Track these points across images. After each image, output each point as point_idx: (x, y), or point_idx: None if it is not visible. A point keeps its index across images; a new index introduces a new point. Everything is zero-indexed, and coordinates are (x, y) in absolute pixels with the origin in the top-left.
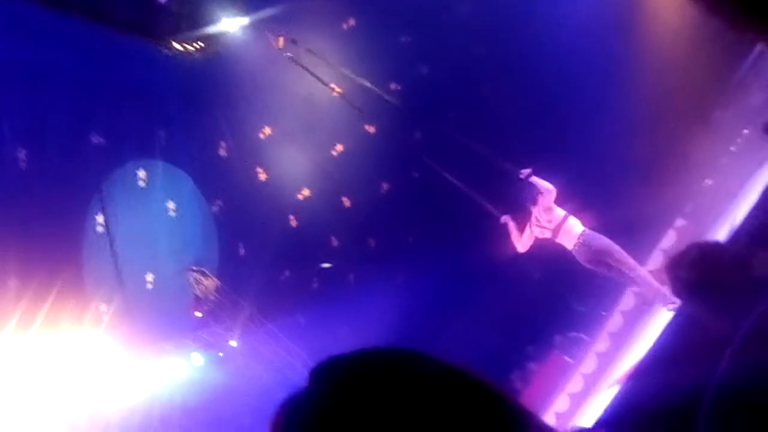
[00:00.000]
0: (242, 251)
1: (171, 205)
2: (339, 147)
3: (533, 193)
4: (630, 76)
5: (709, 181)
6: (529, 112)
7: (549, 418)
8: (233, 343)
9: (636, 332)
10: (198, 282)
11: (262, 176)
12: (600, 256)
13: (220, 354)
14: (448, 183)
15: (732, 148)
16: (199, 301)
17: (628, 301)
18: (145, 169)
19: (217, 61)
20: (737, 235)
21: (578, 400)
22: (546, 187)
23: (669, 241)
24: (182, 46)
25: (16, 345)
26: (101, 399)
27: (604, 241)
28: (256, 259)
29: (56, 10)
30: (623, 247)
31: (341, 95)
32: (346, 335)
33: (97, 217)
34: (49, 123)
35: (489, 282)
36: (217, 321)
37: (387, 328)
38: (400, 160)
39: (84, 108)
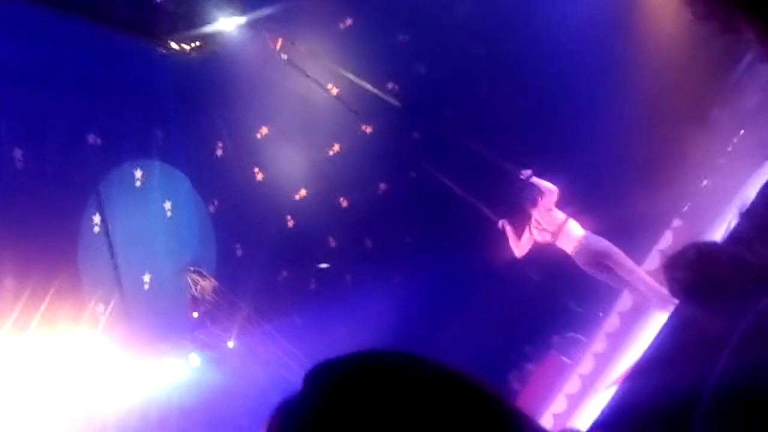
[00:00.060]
0: (239, 252)
1: (168, 205)
2: (336, 147)
3: (533, 195)
4: (627, 76)
5: (706, 182)
6: (526, 113)
7: (546, 419)
8: (230, 343)
9: (633, 333)
10: (195, 282)
11: (259, 176)
12: (600, 259)
13: (217, 354)
14: (445, 183)
15: (729, 149)
16: (196, 302)
17: (625, 301)
18: (142, 169)
19: (213, 61)
20: (733, 235)
21: (576, 400)
22: (548, 187)
23: (666, 241)
24: (179, 45)
25: (12, 346)
26: (98, 400)
27: (603, 244)
28: (253, 259)
29: (52, 9)
30: (621, 248)
31: (338, 95)
32: (343, 336)
33: (93, 218)
34: (45, 122)
35: (486, 282)
36: (214, 321)
37: (384, 328)
38: (397, 161)
39: (80, 107)
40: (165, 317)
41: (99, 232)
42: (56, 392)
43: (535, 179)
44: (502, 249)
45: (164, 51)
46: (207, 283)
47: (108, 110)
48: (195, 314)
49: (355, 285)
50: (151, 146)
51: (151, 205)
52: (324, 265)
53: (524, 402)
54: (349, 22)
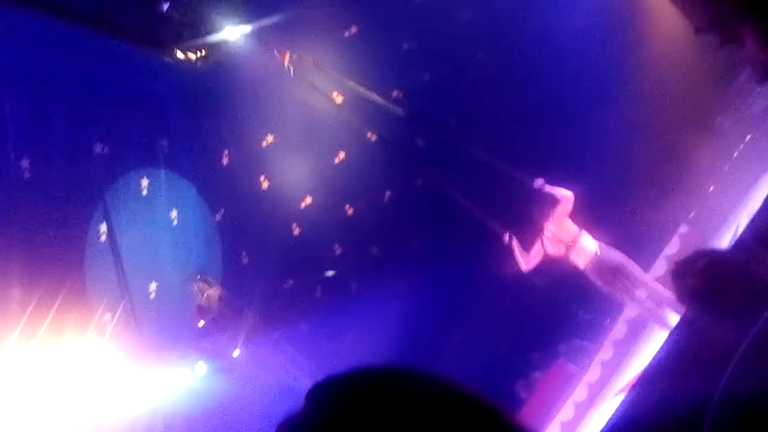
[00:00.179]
0: (245, 260)
1: (174, 213)
2: (341, 155)
3: (544, 207)
4: (632, 82)
5: (712, 188)
6: (531, 120)
7: (554, 427)
8: (237, 352)
9: (640, 340)
10: (201, 291)
11: (265, 184)
12: (615, 273)
13: (223, 363)
14: (450, 189)
15: (735, 155)
16: (202, 310)
17: (632, 308)
18: (148, 178)
19: (219, 70)
20: (740, 243)
21: (583, 408)
22: (563, 194)
23: (673, 247)
24: (185, 54)
25: (19, 354)
26: (105, 409)
27: (619, 258)
28: (259, 267)
29: (59, 19)
30: (628, 254)
31: (343, 103)
32: (349, 343)
33: (100, 226)
34: (52, 132)
35: (492, 290)
36: (220, 330)
37: (390, 336)
38: (402, 168)
39: (87, 116)
40: (171, 326)
41: (105, 241)
42: (63, 401)
43: (548, 188)
44: (509, 258)
45: (170, 60)
46: (213, 292)
47: (114, 119)
48: (201, 323)
49: (361, 292)
50: (157, 155)
51: (157, 214)
52: (330, 273)
53: (531, 410)
54: (353, 30)
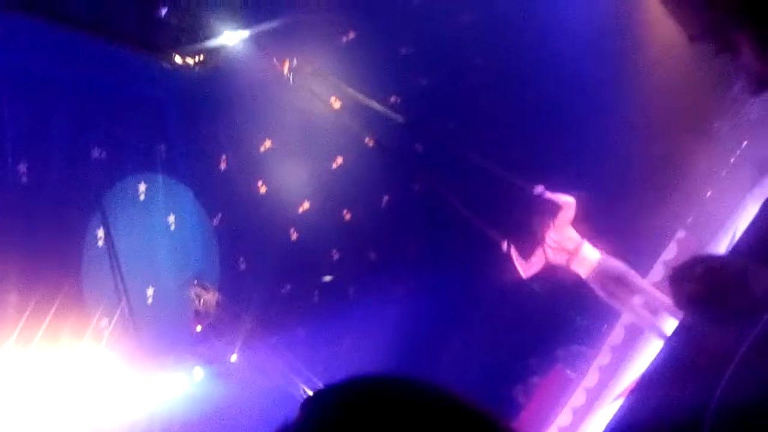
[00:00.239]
0: (243, 265)
1: (171, 218)
2: (339, 160)
3: (545, 214)
4: (630, 88)
5: (709, 193)
6: (529, 125)
7: None
8: (234, 357)
9: (638, 346)
10: (198, 296)
11: (263, 189)
12: (618, 283)
13: (221, 368)
14: (448, 195)
15: (732, 160)
16: (199, 315)
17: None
18: (146, 183)
19: (217, 75)
20: (737, 248)
21: (581, 414)
22: (565, 201)
23: (671, 252)
24: (183, 59)
25: (16, 359)
26: (102, 413)
27: (621, 268)
28: (256, 272)
29: (58, 23)
30: (625, 259)
31: (342, 108)
32: (347, 348)
33: (97, 231)
34: (49, 137)
35: (490, 296)
36: (217, 335)
37: (388, 341)
38: (400, 173)
39: (84, 121)
40: (168, 331)
41: (103, 246)
42: (60, 406)
43: (548, 194)
44: (507, 265)
45: (168, 65)
46: (210, 297)
47: (112, 124)
48: (198, 328)
49: (359, 298)
50: (155, 160)
51: (154, 219)
52: (327, 278)
53: (530, 415)
54: (352, 35)
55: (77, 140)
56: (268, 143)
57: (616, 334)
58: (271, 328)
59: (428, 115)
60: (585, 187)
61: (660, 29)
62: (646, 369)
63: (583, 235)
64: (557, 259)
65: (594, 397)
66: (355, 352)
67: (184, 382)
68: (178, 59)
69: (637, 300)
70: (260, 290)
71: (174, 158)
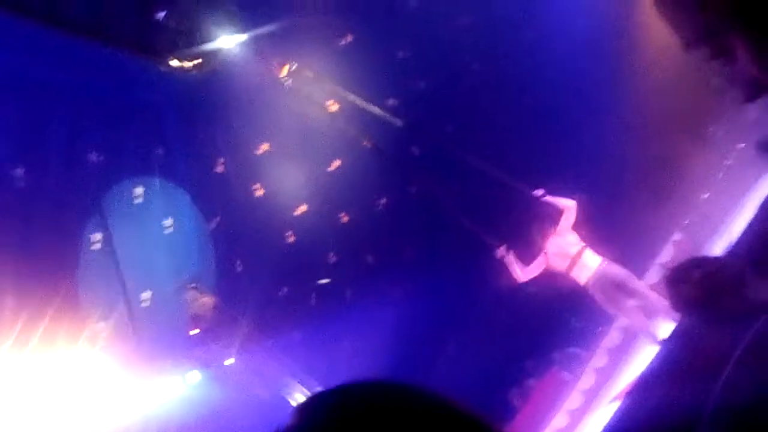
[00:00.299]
0: (239, 268)
1: (169, 222)
2: (336, 163)
3: (546, 219)
4: (627, 91)
5: (705, 195)
6: (526, 128)
7: None
8: (230, 360)
9: (634, 348)
10: (195, 299)
11: (260, 192)
12: (619, 289)
13: (217, 371)
14: (446, 198)
15: (728, 162)
16: (196, 319)
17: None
18: (143, 187)
19: (215, 78)
20: (734, 251)
21: (577, 416)
22: (566, 204)
23: (667, 255)
24: (180, 62)
25: (12, 363)
26: (97, 417)
27: (623, 274)
28: (253, 275)
29: (55, 27)
30: (622, 262)
31: (339, 111)
32: (344, 352)
33: (94, 235)
34: (46, 140)
35: (487, 298)
36: (214, 338)
37: (385, 344)
38: (398, 176)
39: (81, 125)
40: (165, 334)
41: (100, 250)
42: (56, 409)
43: (549, 198)
44: (504, 269)
45: (166, 69)
46: (207, 300)
47: (109, 128)
48: (195, 331)
49: (356, 300)
50: (152, 163)
51: (151, 222)
52: (324, 281)
53: (526, 418)
54: (349, 38)
55: (74, 144)
56: (265, 146)
57: (612, 337)
58: (267, 331)
59: (426, 118)
60: (581, 189)
61: (656, 32)
62: (643, 371)
63: (583, 239)
64: (558, 265)
65: (590, 399)
66: (352, 355)
67: (181, 386)
68: (175, 63)
69: (634, 304)
70: (257, 293)
71: (171, 162)
